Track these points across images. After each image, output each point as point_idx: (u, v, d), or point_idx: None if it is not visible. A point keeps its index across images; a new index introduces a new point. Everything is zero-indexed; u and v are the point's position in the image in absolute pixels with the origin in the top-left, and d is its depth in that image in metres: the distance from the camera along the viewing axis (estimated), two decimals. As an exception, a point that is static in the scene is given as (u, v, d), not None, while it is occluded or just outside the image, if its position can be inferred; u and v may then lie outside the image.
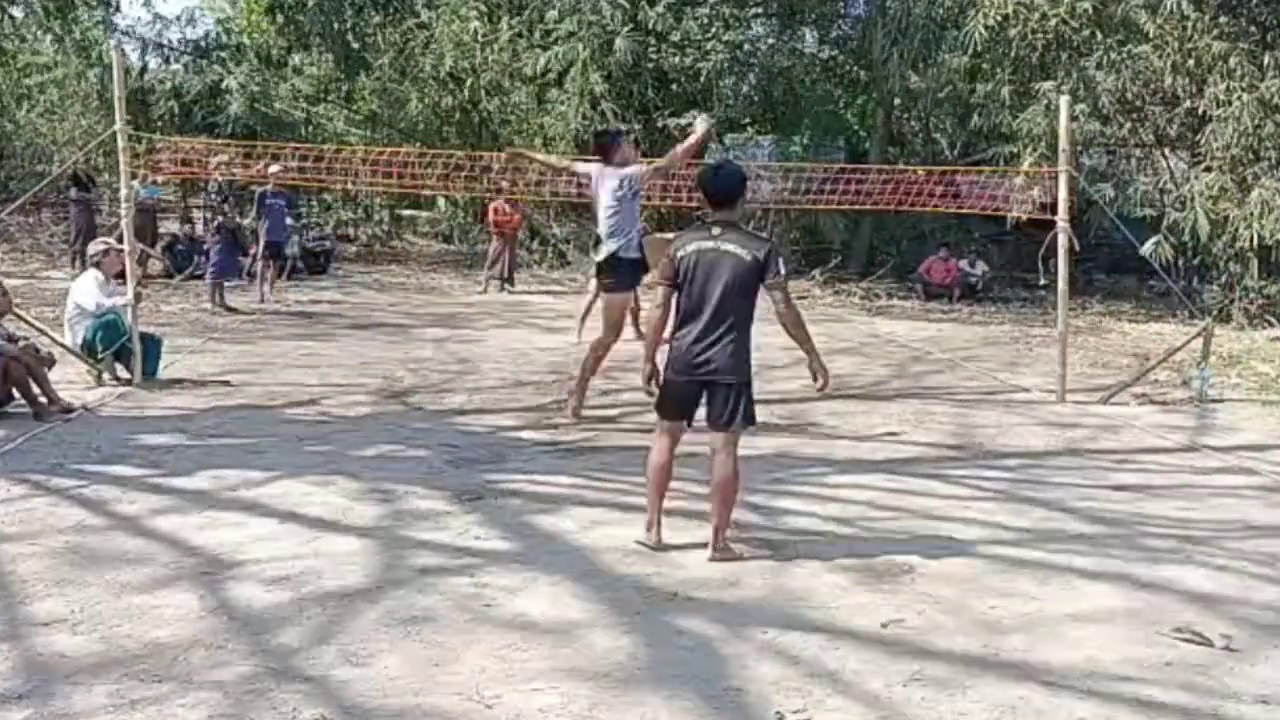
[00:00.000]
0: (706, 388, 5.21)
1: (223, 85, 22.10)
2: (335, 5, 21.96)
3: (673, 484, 5.43)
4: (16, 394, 8.02)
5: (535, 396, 9.30)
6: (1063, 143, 9.67)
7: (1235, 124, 14.29)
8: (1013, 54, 16.38)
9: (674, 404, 5.33)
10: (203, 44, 24.11)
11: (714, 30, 20.86)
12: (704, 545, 5.27)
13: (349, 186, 17.08)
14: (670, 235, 10.19)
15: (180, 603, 4.58)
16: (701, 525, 5.41)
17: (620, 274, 8.14)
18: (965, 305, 17.42)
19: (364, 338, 12.48)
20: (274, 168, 14.00)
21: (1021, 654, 4.25)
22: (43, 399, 8.02)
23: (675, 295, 5.26)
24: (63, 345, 9.28)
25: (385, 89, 22.35)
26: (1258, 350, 12.39)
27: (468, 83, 21.29)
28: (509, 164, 11.94)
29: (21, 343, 8.47)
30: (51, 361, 8.58)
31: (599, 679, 3.95)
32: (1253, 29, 15.32)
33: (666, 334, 5.35)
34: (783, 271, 5.20)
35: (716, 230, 5.19)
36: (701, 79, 20.71)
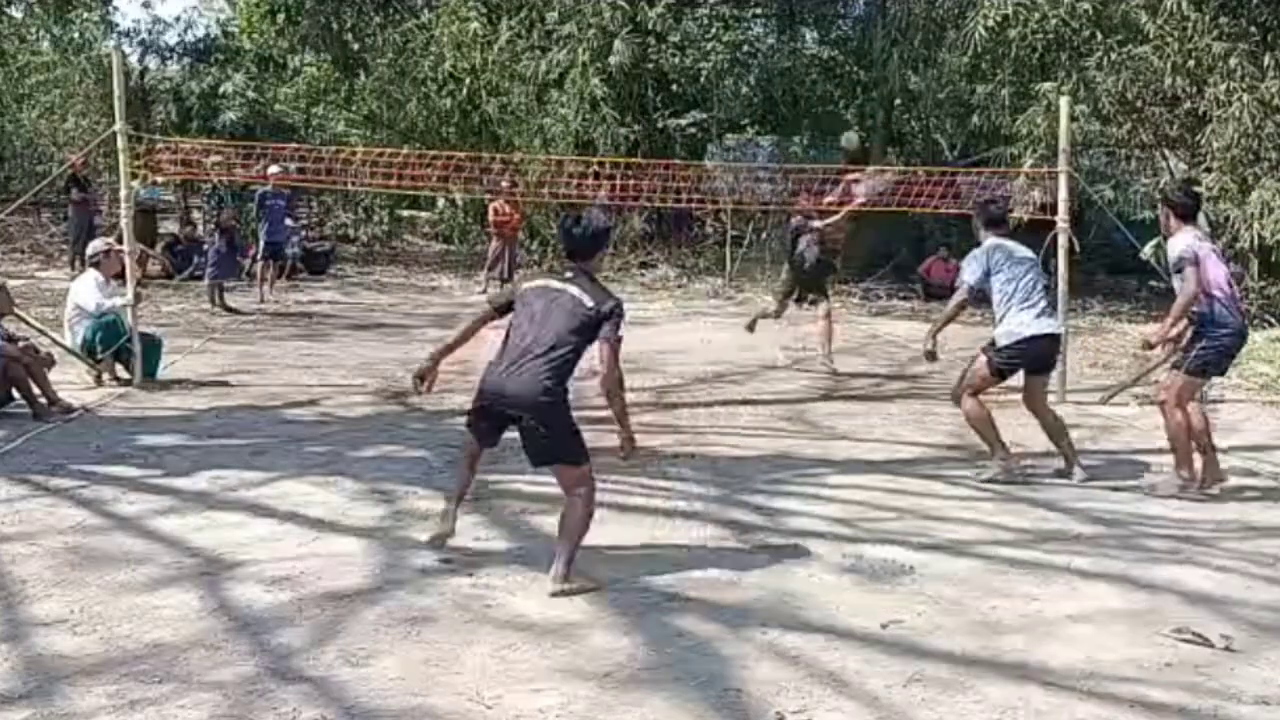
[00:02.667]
0: (512, 422, 4.93)
1: (220, 91, 22.12)
2: (335, 6, 21.95)
3: (671, 484, 5.42)
4: (16, 394, 8.02)
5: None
6: (1063, 143, 9.66)
7: (1235, 124, 14.26)
8: (1013, 54, 16.34)
9: (474, 427, 5.13)
10: (202, 46, 24.12)
11: (714, 31, 20.87)
12: (704, 545, 5.26)
13: (349, 188, 17.06)
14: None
15: (180, 603, 4.58)
16: (701, 525, 5.40)
17: None
18: (965, 306, 17.36)
19: (364, 338, 12.48)
20: (273, 169, 14.00)
21: (1021, 654, 4.25)
22: (43, 399, 8.02)
23: (495, 320, 5.17)
24: (63, 345, 9.28)
25: (385, 90, 22.35)
26: (1258, 350, 12.33)
27: (467, 84, 21.29)
28: None
29: (21, 343, 8.47)
30: (51, 362, 8.57)
31: (599, 679, 3.95)
32: (1253, 29, 15.28)
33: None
34: (621, 334, 4.89)
35: (569, 274, 5.00)
36: (701, 79, 20.73)
